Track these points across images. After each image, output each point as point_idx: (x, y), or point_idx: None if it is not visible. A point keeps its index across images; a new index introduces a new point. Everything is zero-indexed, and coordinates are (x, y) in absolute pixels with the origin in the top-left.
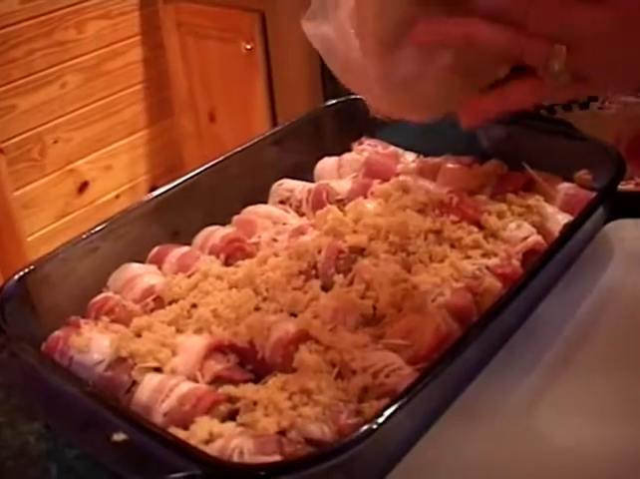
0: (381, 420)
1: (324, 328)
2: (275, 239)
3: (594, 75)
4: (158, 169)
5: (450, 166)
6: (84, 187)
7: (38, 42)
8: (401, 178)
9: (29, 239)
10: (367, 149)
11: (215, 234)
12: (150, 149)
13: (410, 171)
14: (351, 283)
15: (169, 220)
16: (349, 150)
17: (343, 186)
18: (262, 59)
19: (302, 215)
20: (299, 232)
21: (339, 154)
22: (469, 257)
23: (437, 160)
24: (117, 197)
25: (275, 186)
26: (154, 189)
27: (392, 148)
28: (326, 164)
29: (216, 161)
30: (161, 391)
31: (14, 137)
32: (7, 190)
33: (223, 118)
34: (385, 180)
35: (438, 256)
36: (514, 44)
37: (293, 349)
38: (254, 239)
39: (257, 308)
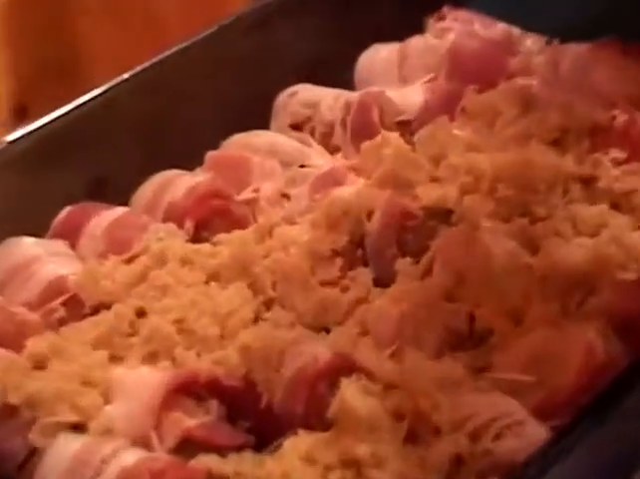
0: None
1: (381, 353)
2: (286, 195)
3: None
4: (26, 72)
5: (606, 58)
6: None
7: None
8: (518, 81)
9: None
10: (453, 27)
11: (175, 184)
12: (16, 30)
13: (535, 69)
14: (428, 273)
15: (85, 157)
16: (419, 31)
17: (409, 96)
18: None
19: (334, 150)
20: (330, 179)
21: (400, 38)
22: None
23: (583, 47)
24: None
25: (284, 97)
26: (22, 109)
27: (501, 25)
28: (377, 57)
29: (170, 52)
30: (87, 464)
31: None
32: None
33: None
34: (488, 85)
35: (588, 225)
36: None
37: (325, 390)
38: (247, 194)
39: (258, 318)
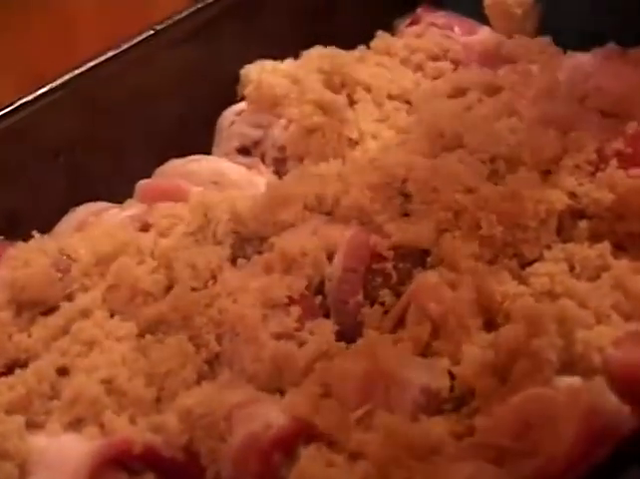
0: None
1: (345, 418)
2: (235, 231)
3: None
4: None
5: (609, 69)
6: None
7: None
8: (504, 96)
9: None
10: (429, 32)
11: (102, 220)
12: None
13: (527, 81)
14: (400, 323)
15: None
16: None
17: None
18: None
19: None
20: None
21: (361, 41)
22: None
23: (582, 57)
24: None
25: (229, 116)
26: None
27: (484, 29)
28: None
29: (94, 62)
30: None
31: None
32: None
33: None
34: None
35: (587, 266)
36: None
37: (280, 461)
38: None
39: (201, 377)
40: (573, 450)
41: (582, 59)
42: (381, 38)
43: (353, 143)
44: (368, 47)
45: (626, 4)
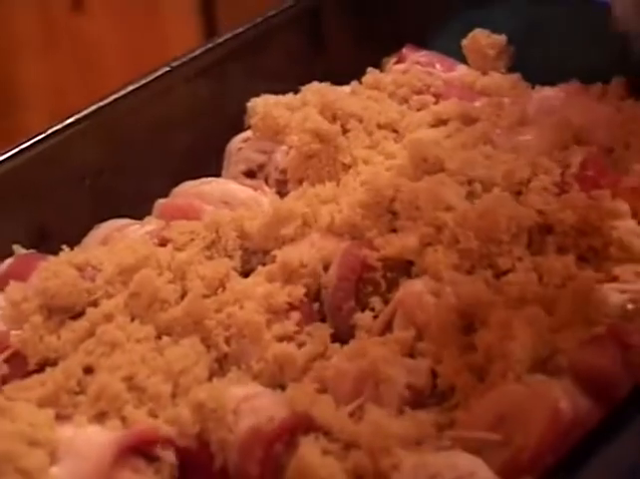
0: None
1: (340, 411)
2: (242, 245)
3: None
4: None
5: (575, 100)
6: None
7: None
8: (479, 126)
9: None
10: (414, 68)
11: (124, 235)
12: None
13: (500, 113)
14: (388, 327)
15: (26, 206)
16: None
17: None
18: None
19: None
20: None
21: (354, 77)
22: (614, 279)
23: (550, 90)
24: None
25: (236, 143)
26: None
27: (462, 66)
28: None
29: (117, 95)
30: None
31: None
32: None
33: (100, 4)
34: None
35: (554, 276)
36: None
37: (281, 450)
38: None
39: (212, 374)
40: (541, 442)
41: (549, 93)
42: (371, 74)
43: (346, 167)
44: (359, 82)
45: (585, 46)
